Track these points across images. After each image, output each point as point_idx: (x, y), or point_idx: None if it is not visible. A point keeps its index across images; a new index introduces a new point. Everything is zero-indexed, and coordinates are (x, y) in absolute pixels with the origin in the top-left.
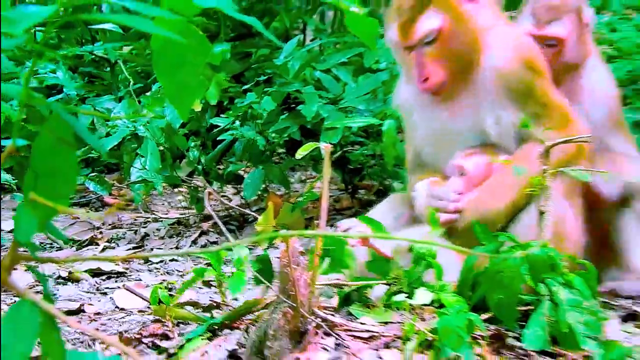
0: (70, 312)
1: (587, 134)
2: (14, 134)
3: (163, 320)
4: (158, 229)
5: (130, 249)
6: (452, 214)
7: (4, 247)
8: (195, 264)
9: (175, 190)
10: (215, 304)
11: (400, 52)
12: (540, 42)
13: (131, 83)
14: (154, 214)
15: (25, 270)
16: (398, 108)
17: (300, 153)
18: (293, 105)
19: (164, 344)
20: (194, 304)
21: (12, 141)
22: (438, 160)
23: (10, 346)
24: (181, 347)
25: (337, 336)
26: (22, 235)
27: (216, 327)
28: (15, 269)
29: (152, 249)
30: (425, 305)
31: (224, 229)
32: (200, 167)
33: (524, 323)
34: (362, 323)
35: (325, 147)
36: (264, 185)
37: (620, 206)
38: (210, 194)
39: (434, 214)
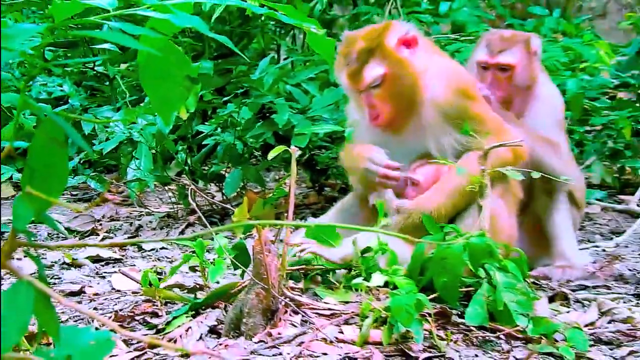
0: (72, 293)
1: (519, 140)
2: (13, 136)
3: (153, 300)
4: (150, 222)
5: (126, 239)
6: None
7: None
8: (182, 252)
9: (166, 187)
10: (198, 286)
11: (351, 92)
12: (494, 68)
13: (127, 95)
14: (147, 208)
15: (25, 257)
16: (350, 123)
17: (272, 155)
18: (267, 115)
19: (153, 320)
20: (180, 286)
21: (9, 143)
22: None
23: (9, 319)
24: (168, 323)
25: (303, 314)
26: (19, 223)
27: (199, 307)
28: (13, 257)
29: (146, 242)
30: (380, 287)
31: (205, 221)
32: (187, 167)
33: (465, 302)
34: (325, 302)
35: (292, 149)
36: (242, 184)
37: (549, 199)
38: (195, 191)
39: (383, 205)
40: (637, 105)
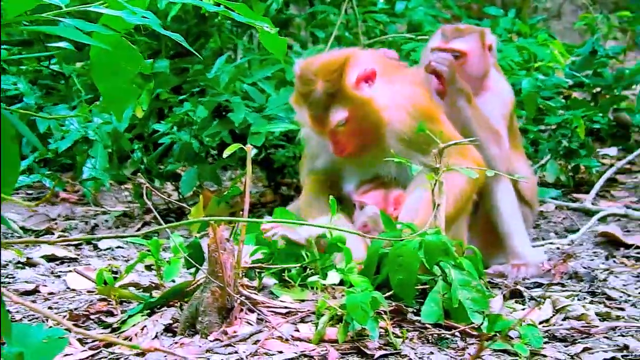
0: (26, 292)
1: (473, 139)
2: None
3: (108, 299)
4: (106, 220)
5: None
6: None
7: None
8: (138, 251)
9: (122, 186)
10: (154, 285)
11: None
12: (447, 53)
13: (83, 94)
14: (102, 207)
15: None
16: (302, 133)
17: (227, 153)
18: (224, 113)
19: (108, 319)
20: (136, 285)
21: None
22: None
23: None
24: (123, 322)
25: (259, 312)
26: None
27: (154, 305)
28: None
29: (100, 238)
30: (336, 285)
31: (161, 220)
32: (143, 166)
33: (421, 300)
34: (281, 301)
35: (248, 148)
36: (198, 183)
37: (495, 196)
38: (151, 190)
39: (334, 202)
40: (591, 104)
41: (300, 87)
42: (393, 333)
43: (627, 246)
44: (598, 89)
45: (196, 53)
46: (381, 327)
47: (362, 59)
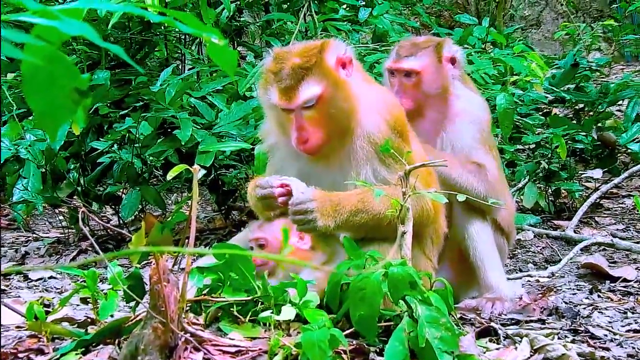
0: None
1: (443, 160)
2: None
3: (39, 335)
4: (38, 248)
5: (10, 267)
6: (281, 197)
7: None
8: (73, 282)
9: (56, 210)
10: (90, 320)
11: (277, 112)
12: (399, 75)
13: (15, 108)
14: (34, 233)
15: None
16: (266, 147)
17: (172, 174)
18: (169, 130)
19: (39, 358)
20: (70, 320)
21: None
22: None
23: None
24: None
25: (205, 351)
26: None
27: (90, 343)
28: None
29: (31, 268)
30: (291, 320)
31: (98, 248)
32: (79, 188)
33: (385, 338)
34: (230, 338)
35: (195, 169)
36: (140, 206)
37: (468, 224)
38: (88, 214)
39: (287, 231)
40: (573, 122)
41: (272, 65)
42: None
43: (614, 279)
44: (581, 105)
45: (137, 67)
46: None
47: (342, 46)
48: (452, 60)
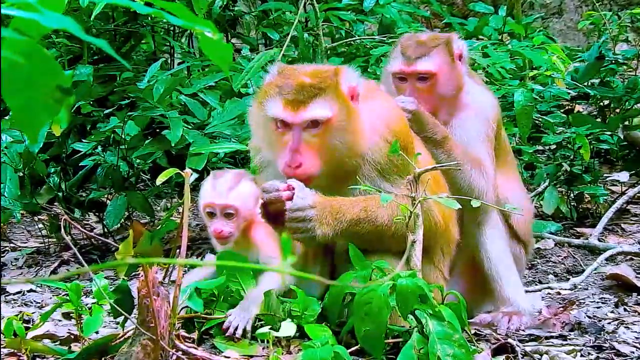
0: None
1: (455, 163)
2: None
3: (18, 353)
4: (16, 259)
5: None
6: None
7: None
8: (54, 295)
9: (35, 218)
10: (73, 337)
11: (271, 130)
12: (412, 78)
13: None
14: (12, 242)
15: None
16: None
17: (161, 179)
18: (158, 130)
19: None
20: (52, 337)
21: None
22: None
23: None
24: None
25: None
26: None
27: None
28: None
29: (9, 281)
30: (291, 337)
31: (81, 259)
32: (60, 194)
33: (393, 356)
34: (225, 356)
35: (186, 172)
36: (127, 214)
37: (480, 231)
38: (70, 222)
39: (286, 240)
40: (598, 120)
41: (277, 78)
42: None
43: None
44: (606, 102)
45: (123, 62)
46: None
47: (354, 75)
48: (459, 57)
